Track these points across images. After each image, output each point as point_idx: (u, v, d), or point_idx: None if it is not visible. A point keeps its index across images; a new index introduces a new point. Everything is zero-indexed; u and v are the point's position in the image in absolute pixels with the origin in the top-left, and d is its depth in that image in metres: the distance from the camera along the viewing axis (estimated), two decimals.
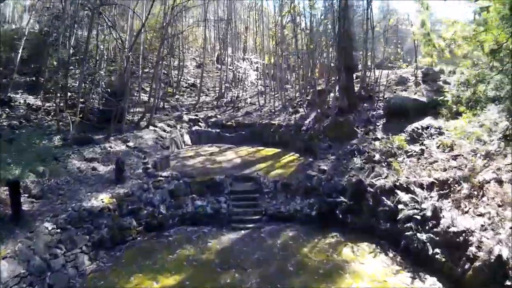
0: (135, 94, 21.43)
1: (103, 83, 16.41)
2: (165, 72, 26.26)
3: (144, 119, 18.21)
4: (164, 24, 18.16)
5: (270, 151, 19.12)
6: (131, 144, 15.52)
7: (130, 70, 16.82)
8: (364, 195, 12.40)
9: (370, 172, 13.47)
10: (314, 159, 16.19)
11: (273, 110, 24.46)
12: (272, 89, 28.99)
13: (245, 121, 22.63)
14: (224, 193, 12.91)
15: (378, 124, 17.77)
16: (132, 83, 19.30)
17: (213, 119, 22.39)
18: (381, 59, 27.35)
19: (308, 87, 27.84)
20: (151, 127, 17.90)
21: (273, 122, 22.12)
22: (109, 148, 14.74)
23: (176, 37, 25.09)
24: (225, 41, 29.61)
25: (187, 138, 20.08)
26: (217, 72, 30.02)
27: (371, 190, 12.40)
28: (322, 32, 27.40)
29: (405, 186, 11.75)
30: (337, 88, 21.70)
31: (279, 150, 19.31)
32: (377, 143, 15.59)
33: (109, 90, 16.77)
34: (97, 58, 16.98)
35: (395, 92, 21.13)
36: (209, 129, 21.35)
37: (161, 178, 12.55)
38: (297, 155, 18.07)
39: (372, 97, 20.75)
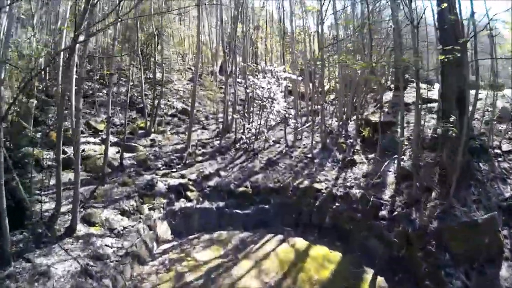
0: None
1: None
2: (133, 94, 16.83)
3: (66, 208, 8.62)
4: None
5: (324, 261, 9.70)
6: None
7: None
8: None
9: None
10: None
11: (309, 155, 15.01)
12: (298, 112, 19.70)
13: (269, 182, 13.13)
14: None
15: None
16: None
17: (213, 181, 12.86)
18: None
19: (351, 111, 18.65)
20: (80, 230, 8.36)
21: (317, 185, 12.69)
22: None
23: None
24: (231, 44, 20.17)
25: (163, 228, 10.65)
26: (221, 88, 20.57)
27: None
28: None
29: None
30: (406, 121, 12.41)
31: (339, 255, 9.98)
32: None
33: None
34: None
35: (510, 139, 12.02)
36: (206, 203, 11.88)
37: None
38: (383, 279, 8.64)
39: (487, 151, 11.28)
